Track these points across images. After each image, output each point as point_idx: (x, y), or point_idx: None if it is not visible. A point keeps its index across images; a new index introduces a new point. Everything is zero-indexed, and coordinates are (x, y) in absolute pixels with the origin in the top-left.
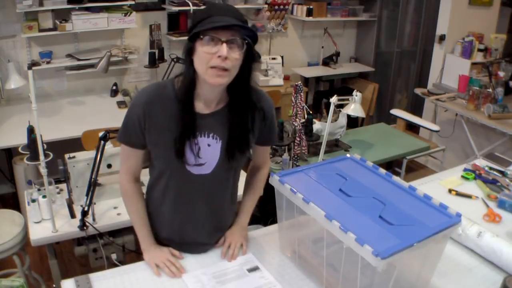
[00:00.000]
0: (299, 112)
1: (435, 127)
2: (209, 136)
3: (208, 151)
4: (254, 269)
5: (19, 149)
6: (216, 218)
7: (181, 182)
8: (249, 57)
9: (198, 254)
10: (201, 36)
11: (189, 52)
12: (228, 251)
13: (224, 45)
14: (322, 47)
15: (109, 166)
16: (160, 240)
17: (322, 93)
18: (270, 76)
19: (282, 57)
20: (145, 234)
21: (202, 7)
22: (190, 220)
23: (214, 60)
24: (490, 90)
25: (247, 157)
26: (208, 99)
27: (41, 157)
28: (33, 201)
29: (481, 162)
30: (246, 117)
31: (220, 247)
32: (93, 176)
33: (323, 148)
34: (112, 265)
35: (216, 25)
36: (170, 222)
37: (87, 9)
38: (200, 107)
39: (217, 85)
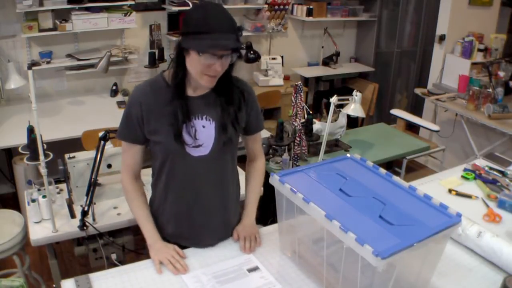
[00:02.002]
0: (299, 112)
1: (435, 127)
2: (203, 119)
3: (203, 133)
4: (254, 269)
5: (19, 149)
6: (222, 205)
7: (182, 166)
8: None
9: (204, 248)
10: (200, 54)
11: (181, 51)
12: (245, 244)
13: (221, 60)
14: (322, 47)
15: (109, 166)
16: (166, 238)
17: (322, 93)
18: (270, 76)
19: (282, 57)
20: (150, 229)
21: (197, 9)
22: (197, 206)
23: (209, 70)
24: (490, 90)
25: (238, 136)
26: (196, 86)
27: (41, 157)
28: (33, 201)
29: (481, 162)
30: (231, 96)
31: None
32: (93, 176)
33: (323, 148)
34: (112, 265)
35: (216, 47)
36: (177, 213)
37: (87, 9)
38: (190, 91)
39: (209, 86)
